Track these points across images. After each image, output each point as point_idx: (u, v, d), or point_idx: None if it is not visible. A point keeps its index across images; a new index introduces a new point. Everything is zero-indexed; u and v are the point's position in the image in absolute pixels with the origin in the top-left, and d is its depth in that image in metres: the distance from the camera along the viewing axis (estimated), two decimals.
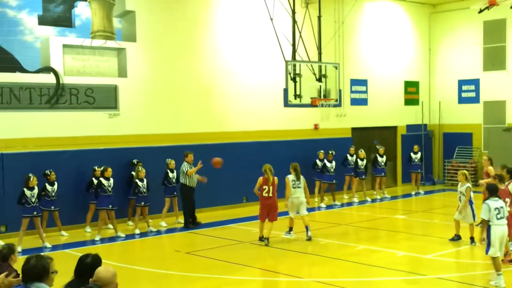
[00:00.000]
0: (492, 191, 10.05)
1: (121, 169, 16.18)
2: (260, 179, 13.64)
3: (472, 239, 12.92)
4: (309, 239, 13.71)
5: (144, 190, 15.24)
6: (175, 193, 16.24)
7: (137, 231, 15.03)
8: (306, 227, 13.90)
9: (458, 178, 13.21)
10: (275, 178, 13.66)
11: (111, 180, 14.81)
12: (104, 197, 14.62)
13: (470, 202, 13.08)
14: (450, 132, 24.72)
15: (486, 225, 9.80)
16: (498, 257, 9.77)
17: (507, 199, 11.06)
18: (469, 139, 24.11)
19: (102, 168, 14.92)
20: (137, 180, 15.29)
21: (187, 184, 15.83)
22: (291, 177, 14.02)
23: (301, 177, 14.07)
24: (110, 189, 14.72)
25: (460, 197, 13.17)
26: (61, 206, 14.72)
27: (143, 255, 13.14)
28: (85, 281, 5.33)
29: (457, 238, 13.33)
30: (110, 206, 14.71)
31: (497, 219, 9.75)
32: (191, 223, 15.82)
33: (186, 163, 15.83)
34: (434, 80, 25.19)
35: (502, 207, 9.91)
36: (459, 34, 24.29)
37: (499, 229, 9.77)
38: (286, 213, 14.34)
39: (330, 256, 12.43)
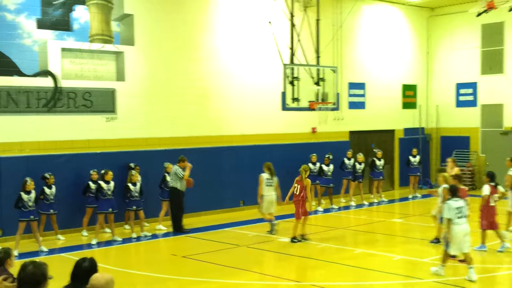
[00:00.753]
0: (453, 192, 10.70)
1: (119, 172, 16.18)
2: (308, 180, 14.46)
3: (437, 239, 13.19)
4: (271, 232, 14.93)
5: (136, 194, 15.23)
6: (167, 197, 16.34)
7: (134, 235, 15.04)
8: (272, 222, 15.06)
9: (438, 180, 13.36)
10: (308, 180, 14.39)
11: (112, 183, 14.82)
12: (104, 201, 14.62)
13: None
14: (447, 135, 24.74)
15: (450, 224, 10.43)
16: (448, 252, 10.51)
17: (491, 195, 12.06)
18: (467, 143, 24.14)
19: (103, 171, 14.92)
20: (129, 184, 15.28)
21: (179, 188, 15.71)
22: (265, 176, 15.05)
23: (275, 176, 15.16)
24: (109, 192, 14.71)
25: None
26: (58, 209, 14.73)
27: (140, 259, 13.15)
28: (81, 285, 5.33)
29: (436, 241, 13.41)
30: (110, 210, 14.71)
31: (458, 218, 10.43)
32: (182, 228, 15.66)
33: (178, 167, 15.67)
34: (431, 83, 25.22)
35: (462, 207, 10.54)
36: (457, 38, 24.33)
37: (459, 228, 10.43)
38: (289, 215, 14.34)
39: (327, 260, 12.43)
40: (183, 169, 15.67)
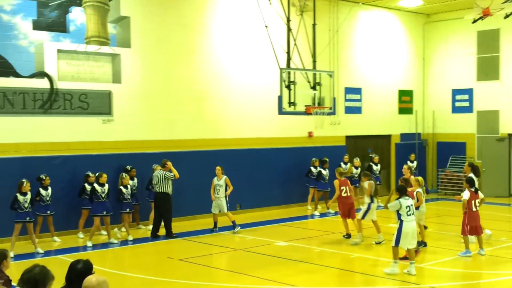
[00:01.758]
0: (402, 192, 11.41)
1: (115, 175, 16.12)
2: (337, 181, 14.82)
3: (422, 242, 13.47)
4: (235, 232, 15.59)
5: (129, 197, 15.15)
6: None
7: (130, 238, 14.97)
8: (233, 222, 15.83)
9: (412, 183, 13.54)
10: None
11: (106, 186, 14.74)
12: (98, 204, 14.54)
13: (417, 207, 13.28)
14: (443, 141, 24.77)
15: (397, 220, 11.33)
16: (399, 247, 11.21)
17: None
18: (463, 149, 24.17)
19: (97, 174, 14.85)
20: (121, 187, 15.19)
21: (170, 193, 15.50)
22: (216, 179, 16.14)
23: (223, 176, 16.12)
24: (104, 195, 14.64)
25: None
26: (54, 211, 14.65)
27: (136, 262, 13.07)
28: (76, 287, 5.28)
29: (423, 244, 13.57)
30: (105, 213, 14.62)
31: (407, 215, 11.14)
32: (172, 232, 15.47)
33: (165, 172, 15.38)
34: (428, 89, 25.26)
35: (411, 205, 11.32)
36: (453, 44, 24.39)
37: (409, 225, 11.18)
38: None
39: (323, 264, 12.39)
40: (170, 171, 15.45)
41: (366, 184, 14.36)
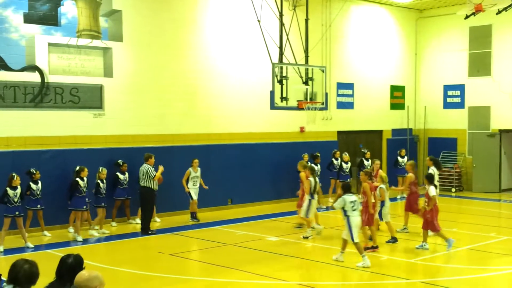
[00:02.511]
0: (346, 188, 11.93)
1: (106, 169, 16.08)
2: (303, 174, 14.83)
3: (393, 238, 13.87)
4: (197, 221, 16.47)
5: (104, 192, 15.00)
6: None
7: (106, 231, 14.91)
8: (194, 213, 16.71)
9: (377, 179, 13.74)
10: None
11: (85, 180, 14.68)
12: (80, 198, 14.42)
13: (382, 203, 13.62)
14: (435, 137, 24.84)
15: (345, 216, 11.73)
16: (359, 242, 11.69)
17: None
18: (454, 144, 24.26)
19: (78, 168, 14.67)
20: (98, 181, 15.04)
21: (152, 187, 15.34)
22: (192, 170, 16.76)
23: (199, 169, 16.84)
24: (85, 189, 14.56)
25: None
26: (44, 205, 14.59)
27: (126, 257, 13.04)
28: (66, 282, 5.26)
29: (393, 240, 13.83)
30: (85, 207, 14.54)
31: (353, 210, 11.63)
32: (148, 229, 15.28)
33: (149, 166, 15.28)
34: (419, 85, 25.31)
35: (355, 201, 11.77)
36: (445, 40, 24.44)
37: (355, 219, 11.70)
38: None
39: (315, 259, 12.42)
40: (154, 167, 15.33)
41: (309, 179, 14.46)
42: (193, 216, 16.84)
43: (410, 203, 14.93)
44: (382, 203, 13.69)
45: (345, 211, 11.67)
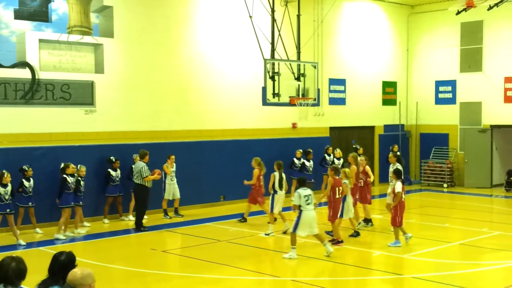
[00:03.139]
0: (301, 182, 12.13)
1: (97, 166, 16.03)
2: (256, 171, 15.30)
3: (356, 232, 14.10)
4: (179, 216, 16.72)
5: (83, 190, 14.73)
6: None
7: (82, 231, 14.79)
8: (176, 208, 16.97)
9: (341, 175, 13.72)
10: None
11: (76, 176, 14.67)
12: (68, 195, 14.31)
13: (344, 198, 13.60)
14: (427, 132, 24.91)
15: (297, 208, 11.85)
16: (296, 233, 11.91)
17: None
18: (446, 140, 24.33)
19: (63, 165, 14.49)
20: (79, 178, 14.76)
21: (146, 184, 15.22)
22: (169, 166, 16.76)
23: (174, 164, 16.91)
24: (73, 186, 14.46)
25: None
26: (36, 203, 14.51)
27: (119, 254, 12.99)
28: (59, 279, 5.24)
29: (355, 234, 14.06)
30: (73, 203, 14.44)
31: (306, 204, 11.79)
32: (141, 225, 15.20)
33: (144, 164, 15.13)
34: (411, 80, 25.36)
35: (310, 195, 11.91)
36: (437, 35, 24.49)
37: (308, 213, 11.83)
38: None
39: (307, 256, 12.41)
40: (148, 166, 15.18)
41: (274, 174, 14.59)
42: (165, 213, 16.84)
43: (364, 194, 15.04)
44: (344, 198, 13.63)
45: (299, 205, 11.86)
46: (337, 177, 13.23)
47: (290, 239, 12.10)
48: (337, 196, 13.16)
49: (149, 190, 15.40)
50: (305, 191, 11.90)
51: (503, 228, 15.19)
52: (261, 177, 15.72)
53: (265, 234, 14.26)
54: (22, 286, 5.20)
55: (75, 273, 4.94)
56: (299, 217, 11.88)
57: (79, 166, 14.89)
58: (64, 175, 14.28)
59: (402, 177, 13.47)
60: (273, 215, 14.57)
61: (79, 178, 14.79)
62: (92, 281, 4.96)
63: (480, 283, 10.24)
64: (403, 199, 13.12)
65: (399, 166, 14.41)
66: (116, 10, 16.64)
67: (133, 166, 15.70)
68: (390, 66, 24.70)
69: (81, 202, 14.85)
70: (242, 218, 16.13)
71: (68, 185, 14.25)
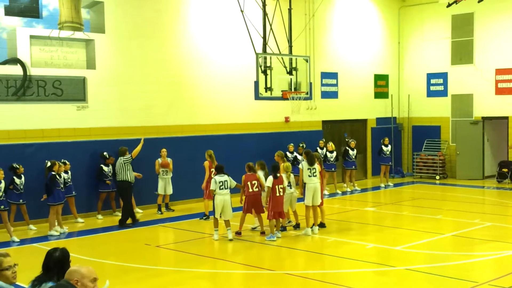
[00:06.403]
0: (219, 169, 13.30)
1: (90, 162, 16.02)
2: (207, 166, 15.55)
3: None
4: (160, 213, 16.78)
5: (62, 186, 14.60)
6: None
7: (62, 230, 14.53)
8: (166, 204, 17.23)
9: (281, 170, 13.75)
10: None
11: (70, 173, 14.70)
12: (58, 192, 14.23)
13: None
14: (419, 125, 25.00)
15: (213, 193, 13.10)
16: (216, 219, 13.18)
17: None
18: (438, 132, 24.42)
19: (49, 163, 14.34)
20: (56, 176, 14.45)
21: (128, 180, 15.21)
22: (160, 160, 16.91)
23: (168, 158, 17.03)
24: (62, 184, 14.41)
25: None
26: (28, 199, 14.48)
27: (113, 249, 13.01)
28: (53, 275, 5.25)
29: (296, 226, 14.36)
30: (62, 201, 14.39)
31: (220, 189, 13.01)
32: (130, 221, 15.12)
33: (122, 157, 15.23)
34: (403, 73, 25.42)
35: (226, 181, 13.08)
36: (428, 28, 24.54)
37: (220, 198, 13.03)
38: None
39: (300, 249, 12.47)
40: (128, 160, 15.26)
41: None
42: (159, 208, 16.92)
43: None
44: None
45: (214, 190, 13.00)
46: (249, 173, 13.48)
47: (213, 222, 13.35)
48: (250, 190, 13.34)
49: (132, 185, 15.36)
50: (220, 178, 13.05)
51: (495, 219, 15.29)
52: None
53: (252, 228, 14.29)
54: (18, 283, 5.21)
55: (80, 269, 4.78)
56: (214, 202, 13.11)
57: (59, 163, 14.61)
58: (53, 172, 14.19)
59: (277, 173, 13.17)
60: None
61: (56, 175, 14.76)
62: (94, 275, 4.89)
63: (472, 274, 10.31)
64: (278, 194, 13.07)
65: (306, 163, 13.84)
66: (107, 5, 16.60)
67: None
68: (382, 59, 24.75)
69: (74, 192, 14.98)
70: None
71: (57, 182, 14.19)
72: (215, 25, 19.02)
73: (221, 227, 13.55)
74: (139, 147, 15.59)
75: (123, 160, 15.23)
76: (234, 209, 13.75)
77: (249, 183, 13.39)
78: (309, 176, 13.63)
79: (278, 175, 13.17)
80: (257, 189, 13.49)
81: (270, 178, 13.12)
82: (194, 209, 17.21)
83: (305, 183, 13.66)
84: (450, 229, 14.16)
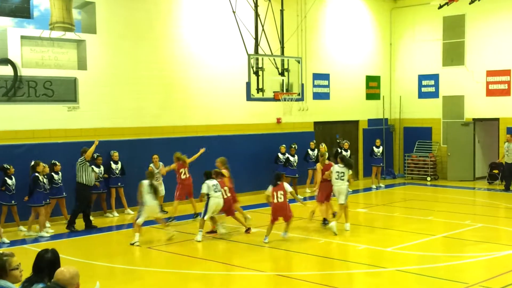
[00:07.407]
0: (208, 175, 13.61)
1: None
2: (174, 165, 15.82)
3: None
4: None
5: (48, 187, 14.48)
6: (119, 183, 16.51)
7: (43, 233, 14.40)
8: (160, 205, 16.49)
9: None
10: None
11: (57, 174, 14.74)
12: (40, 193, 14.09)
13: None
14: (410, 126, 25.06)
15: (205, 197, 13.29)
16: (206, 220, 13.41)
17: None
18: (429, 134, 24.50)
19: (33, 163, 14.22)
20: (39, 177, 14.25)
21: (83, 182, 14.86)
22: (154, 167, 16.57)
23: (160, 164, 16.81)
24: (45, 184, 14.30)
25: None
26: (19, 201, 14.39)
27: (103, 251, 12.96)
28: (44, 276, 5.23)
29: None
30: (44, 202, 14.22)
31: (214, 192, 13.27)
32: (73, 226, 14.76)
33: (79, 160, 14.88)
34: (395, 74, 25.48)
35: (217, 184, 13.42)
36: (419, 30, 24.61)
37: (214, 200, 13.28)
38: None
39: (292, 250, 12.47)
40: (82, 161, 14.91)
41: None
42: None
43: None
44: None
45: (208, 194, 13.23)
46: (219, 179, 13.78)
47: (199, 223, 13.41)
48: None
49: (90, 188, 15.11)
50: (211, 181, 13.39)
51: (485, 221, 15.34)
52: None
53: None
54: (9, 283, 5.21)
55: (63, 273, 4.95)
56: (207, 204, 13.25)
57: (43, 164, 14.40)
58: (36, 173, 14.06)
59: (278, 181, 13.13)
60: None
61: (52, 174, 14.74)
62: (78, 280, 5.00)
63: (463, 275, 10.34)
64: (276, 201, 13.02)
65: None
66: (99, 5, 16.55)
67: (110, 162, 16.01)
68: (374, 60, 24.81)
69: (48, 200, 14.52)
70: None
71: (39, 184, 14.03)
72: (207, 26, 19.00)
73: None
74: (92, 148, 15.00)
75: (79, 162, 14.89)
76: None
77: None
78: (336, 179, 14.14)
79: (279, 182, 13.09)
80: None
81: (270, 186, 13.13)
82: (186, 210, 17.15)
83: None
84: (441, 230, 14.19)
